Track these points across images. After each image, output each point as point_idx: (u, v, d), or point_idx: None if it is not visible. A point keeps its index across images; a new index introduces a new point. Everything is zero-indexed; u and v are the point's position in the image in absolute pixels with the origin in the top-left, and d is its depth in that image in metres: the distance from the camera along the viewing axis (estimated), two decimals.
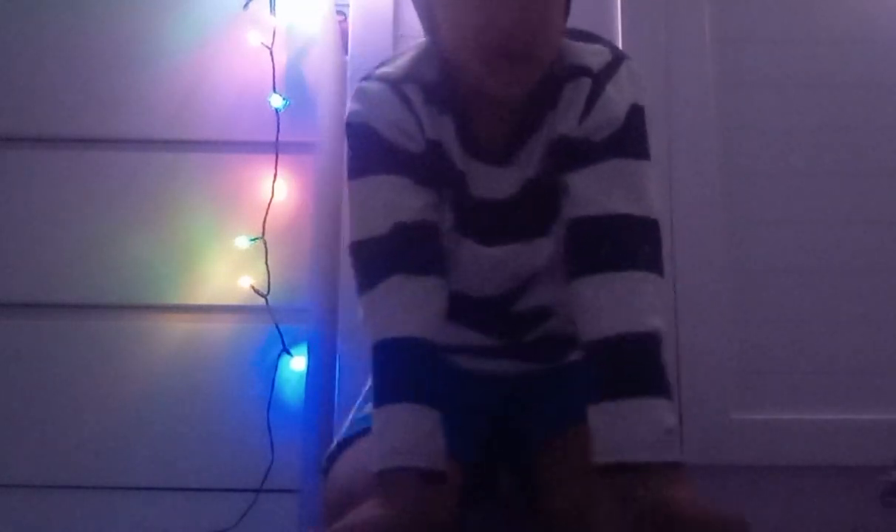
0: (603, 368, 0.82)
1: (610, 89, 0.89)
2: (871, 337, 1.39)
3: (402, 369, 0.86)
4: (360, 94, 0.93)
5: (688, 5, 1.48)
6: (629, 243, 0.86)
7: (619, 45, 1.44)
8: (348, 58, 1.48)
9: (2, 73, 1.35)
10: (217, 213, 1.32)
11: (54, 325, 1.30)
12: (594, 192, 0.87)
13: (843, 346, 1.39)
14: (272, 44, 1.33)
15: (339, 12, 1.57)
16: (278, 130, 1.31)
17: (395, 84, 0.91)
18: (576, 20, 0.92)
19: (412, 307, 0.87)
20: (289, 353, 1.25)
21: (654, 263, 0.86)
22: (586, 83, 0.89)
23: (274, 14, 1.35)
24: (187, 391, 1.27)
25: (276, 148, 1.30)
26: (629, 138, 0.90)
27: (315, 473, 1.34)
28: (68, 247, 1.31)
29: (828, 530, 1.33)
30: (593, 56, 0.91)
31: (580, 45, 0.92)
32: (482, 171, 0.93)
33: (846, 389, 1.38)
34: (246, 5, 1.36)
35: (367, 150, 0.92)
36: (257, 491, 1.23)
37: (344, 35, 1.55)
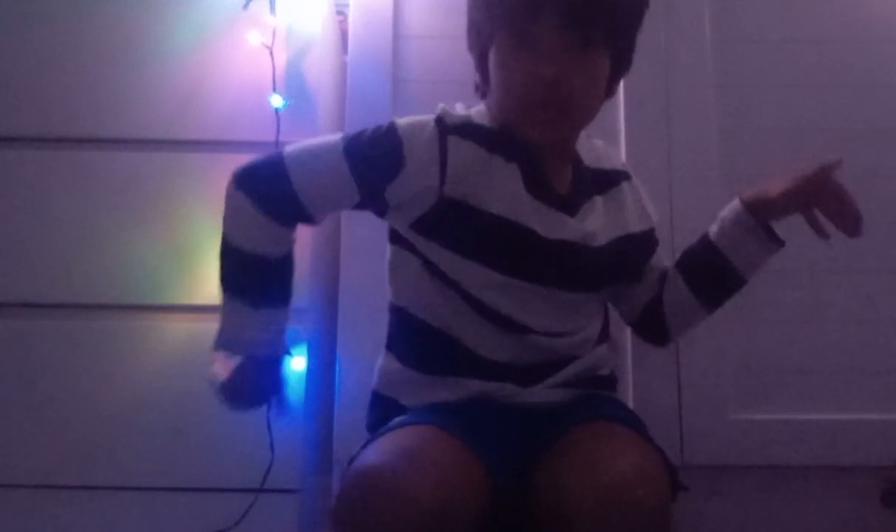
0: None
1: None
2: (871, 337, 1.39)
3: (259, 279, 1.02)
4: (414, 122, 1.01)
5: (688, 5, 1.48)
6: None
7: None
8: (348, 58, 1.48)
9: (2, 73, 1.36)
10: (217, 213, 1.31)
11: (54, 325, 1.30)
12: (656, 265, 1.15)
13: (843, 346, 1.39)
14: (272, 44, 1.33)
15: (339, 12, 1.57)
16: (278, 130, 1.31)
17: (442, 130, 0.99)
18: None
19: (274, 240, 1.02)
20: (289, 352, 1.25)
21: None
22: (636, 185, 1.14)
23: (274, 14, 1.35)
24: (187, 391, 1.27)
25: (276, 148, 1.30)
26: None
27: (315, 473, 1.34)
28: (68, 247, 1.31)
29: (828, 530, 1.33)
30: (615, 156, 1.15)
31: (600, 144, 1.13)
32: (547, 214, 1.00)
33: (846, 389, 1.38)
34: (246, 5, 1.36)
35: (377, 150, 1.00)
36: (257, 491, 1.23)
37: (344, 35, 1.55)
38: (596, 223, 1.03)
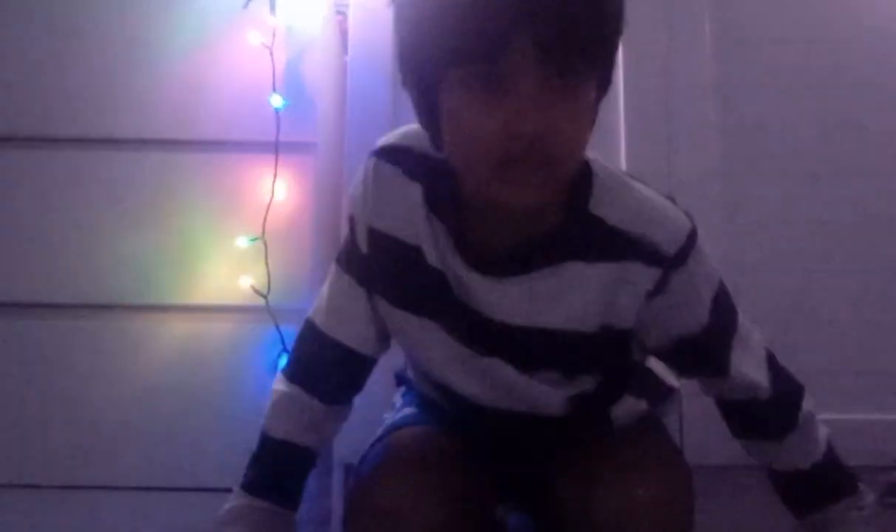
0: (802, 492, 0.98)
1: (685, 273, 0.83)
2: (870, 337, 1.39)
3: (279, 469, 0.94)
4: (364, 172, 0.85)
5: (688, 5, 1.47)
6: (779, 415, 0.98)
7: (619, 46, 1.44)
8: (348, 58, 1.48)
9: (2, 73, 1.36)
10: (217, 213, 1.32)
11: (54, 325, 1.31)
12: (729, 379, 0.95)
13: (843, 345, 1.39)
14: (272, 44, 1.33)
15: (339, 12, 1.57)
16: (278, 130, 1.31)
17: (386, 153, 0.84)
18: None
19: (311, 426, 0.93)
20: (289, 353, 1.25)
21: (797, 418, 0.98)
22: (656, 272, 0.81)
23: (274, 14, 1.35)
24: (187, 391, 1.27)
25: (276, 148, 1.30)
26: (729, 323, 0.91)
27: (315, 474, 1.34)
28: (68, 247, 1.32)
29: None
30: (670, 235, 0.82)
31: (651, 205, 0.82)
32: (486, 285, 0.81)
33: (846, 389, 1.38)
34: (246, 5, 1.35)
35: (347, 239, 0.91)
36: None
37: (344, 35, 1.55)
38: (525, 300, 0.80)
